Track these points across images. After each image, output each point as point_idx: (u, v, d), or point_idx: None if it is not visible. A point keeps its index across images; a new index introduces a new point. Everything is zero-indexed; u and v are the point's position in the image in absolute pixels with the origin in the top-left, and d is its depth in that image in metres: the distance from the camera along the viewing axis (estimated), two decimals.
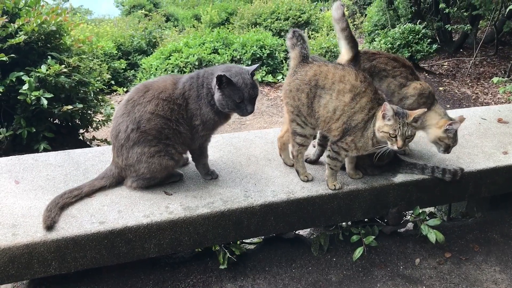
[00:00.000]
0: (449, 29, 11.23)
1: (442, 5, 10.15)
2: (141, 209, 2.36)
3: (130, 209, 2.36)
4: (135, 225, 2.26)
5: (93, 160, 2.83)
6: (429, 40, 9.84)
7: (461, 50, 12.48)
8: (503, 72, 9.41)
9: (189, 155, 2.73)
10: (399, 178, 2.78)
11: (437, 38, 12.23)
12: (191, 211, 2.37)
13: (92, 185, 2.49)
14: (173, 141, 2.45)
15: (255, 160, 2.91)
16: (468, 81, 9.44)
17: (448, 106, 7.88)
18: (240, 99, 2.36)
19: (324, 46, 7.62)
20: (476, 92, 8.53)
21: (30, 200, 2.39)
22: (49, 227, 2.15)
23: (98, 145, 5.30)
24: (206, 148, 2.64)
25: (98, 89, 5.07)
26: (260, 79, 8.78)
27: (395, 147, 2.32)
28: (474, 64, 10.29)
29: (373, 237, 2.76)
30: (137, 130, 2.37)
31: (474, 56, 10.08)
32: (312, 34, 9.38)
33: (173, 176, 2.61)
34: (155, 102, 2.39)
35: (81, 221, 2.25)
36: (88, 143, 5.14)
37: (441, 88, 8.89)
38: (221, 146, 3.06)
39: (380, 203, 2.77)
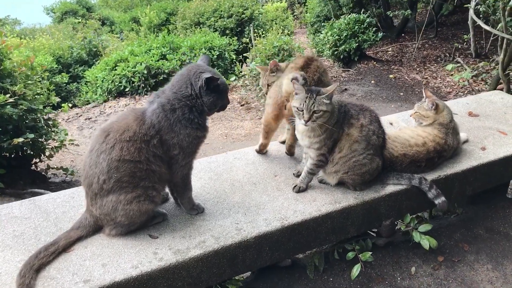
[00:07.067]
0: (390, 15, 11.47)
1: None
2: (128, 259, 2.15)
3: (115, 260, 2.15)
4: (124, 278, 2.05)
5: (63, 206, 2.56)
6: (374, 29, 9.97)
7: (402, 34, 12.80)
8: (447, 54, 9.68)
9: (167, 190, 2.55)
10: (389, 188, 2.71)
11: (379, 25, 12.45)
12: (182, 255, 2.18)
13: (68, 237, 2.24)
14: (152, 181, 2.25)
15: (240, 186, 2.75)
16: (415, 66, 9.65)
17: (402, 94, 8.01)
18: (227, 93, 2.38)
19: (276, 45, 7.49)
20: (425, 77, 8.73)
21: None
22: None
23: (54, 174, 4.96)
24: (190, 179, 2.45)
25: (47, 115, 4.73)
26: None
27: (302, 121, 2.41)
28: (417, 48, 10.53)
29: (370, 253, 2.68)
30: (109, 180, 2.15)
31: (418, 40, 10.31)
32: (263, 33, 9.24)
33: (156, 217, 2.40)
34: (118, 146, 2.15)
35: (63, 282, 2.01)
36: (43, 173, 4.79)
37: (391, 76, 9.03)
38: (199, 173, 2.87)
39: (372, 216, 2.70)
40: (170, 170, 2.32)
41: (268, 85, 3.09)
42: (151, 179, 2.23)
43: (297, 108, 2.39)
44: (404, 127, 3.23)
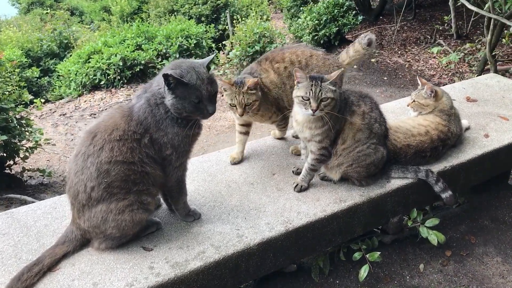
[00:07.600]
0: None
1: None
2: (121, 276, 1.95)
3: (107, 278, 1.94)
4: None
5: (45, 218, 2.33)
6: (354, 12, 9.81)
7: (380, 17, 12.65)
8: (428, 36, 9.58)
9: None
10: (395, 183, 2.55)
11: (356, 8, 12.29)
12: (181, 268, 1.99)
13: (53, 254, 2.01)
14: (146, 185, 2.03)
15: (237, 187, 2.55)
16: (396, 49, 9.53)
17: (386, 78, 7.89)
18: (198, 98, 1.94)
19: (257, 31, 7.25)
20: (408, 60, 8.62)
21: None
22: None
23: (30, 177, 4.68)
24: (185, 182, 2.24)
25: (20, 114, 4.43)
26: None
27: (309, 111, 2.20)
28: (396, 30, 10.42)
29: (378, 253, 2.52)
30: (99, 187, 1.92)
31: (398, 22, 10.19)
32: (242, 19, 8.97)
33: (150, 227, 2.18)
34: (108, 146, 1.92)
35: None
36: (19, 176, 4.50)
37: (373, 60, 8.89)
38: (192, 174, 2.66)
39: (379, 213, 2.54)
40: (164, 172, 2.11)
41: (246, 105, 2.56)
42: (145, 182, 2.01)
43: (302, 97, 2.20)
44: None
